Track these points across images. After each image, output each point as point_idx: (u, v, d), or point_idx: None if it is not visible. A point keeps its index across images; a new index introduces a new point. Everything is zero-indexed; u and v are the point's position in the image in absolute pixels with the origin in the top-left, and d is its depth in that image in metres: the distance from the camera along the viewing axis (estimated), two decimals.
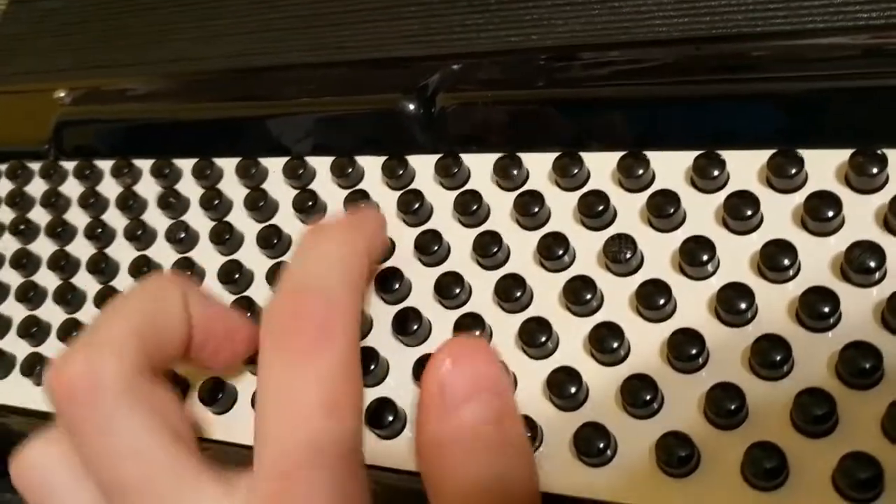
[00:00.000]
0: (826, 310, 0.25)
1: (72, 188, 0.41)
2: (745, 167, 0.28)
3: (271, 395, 0.24)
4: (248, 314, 0.32)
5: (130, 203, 0.38)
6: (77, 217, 0.40)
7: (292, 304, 0.25)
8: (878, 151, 0.26)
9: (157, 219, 0.38)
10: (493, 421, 0.22)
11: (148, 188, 0.39)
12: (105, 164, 0.40)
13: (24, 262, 0.39)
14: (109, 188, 0.39)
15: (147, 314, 0.27)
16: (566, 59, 0.33)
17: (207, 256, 0.36)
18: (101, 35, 0.48)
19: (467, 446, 0.22)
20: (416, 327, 0.30)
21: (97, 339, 0.25)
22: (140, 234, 0.37)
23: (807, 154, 0.27)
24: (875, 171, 0.26)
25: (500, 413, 0.22)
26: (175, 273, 0.35)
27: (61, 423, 0.25)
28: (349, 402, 0.24)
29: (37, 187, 0.42)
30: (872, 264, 0.25)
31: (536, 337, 0.28)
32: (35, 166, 0.42)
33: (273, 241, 0.34)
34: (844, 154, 0.27)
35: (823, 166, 0.27)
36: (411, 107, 0.34)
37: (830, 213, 0.26)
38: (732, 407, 0.25)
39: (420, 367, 0.29)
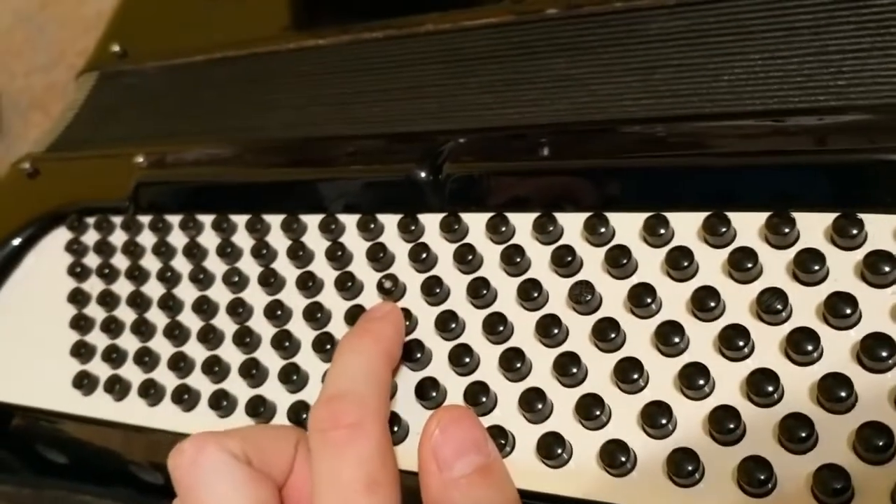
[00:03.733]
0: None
1: (147, 239, 0.49)
2: (686, 226, 0.35)
3: (323, 479, 0.30)
4: None
5: (194, 251, 0.46)
6: (151, 263, 0.48)
7: (331, 407, 0.32)
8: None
9: (216, 265, 0.45)
10: (480, 473, 0.29)
11: (209, 239, 0.46)
12: (174, 219, 0.48)
13: (108, 300, 0.47)
14: (177, 239, 0.47)
15: (258, 437, 0.33)
16: (548, 136, 0.40)
17: (255, 296, 0.43)
18: (173, 108, 0.57)
19: (462, 493, 0.29)
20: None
21: (207, 433, 0.32)
22: (201, 278, 0.45)
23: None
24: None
25: (485, 467, 0.29)
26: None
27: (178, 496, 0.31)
28: (387, 480, 0.31)
29: (118, 238, 0.50)
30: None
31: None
32: (117, 220, 0.51)
33: (308, 284, 0.41)
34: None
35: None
36: (423, 174, 0.41)
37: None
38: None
39: None
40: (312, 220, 0.44)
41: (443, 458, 0.29)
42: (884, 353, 0.29)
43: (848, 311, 0.30)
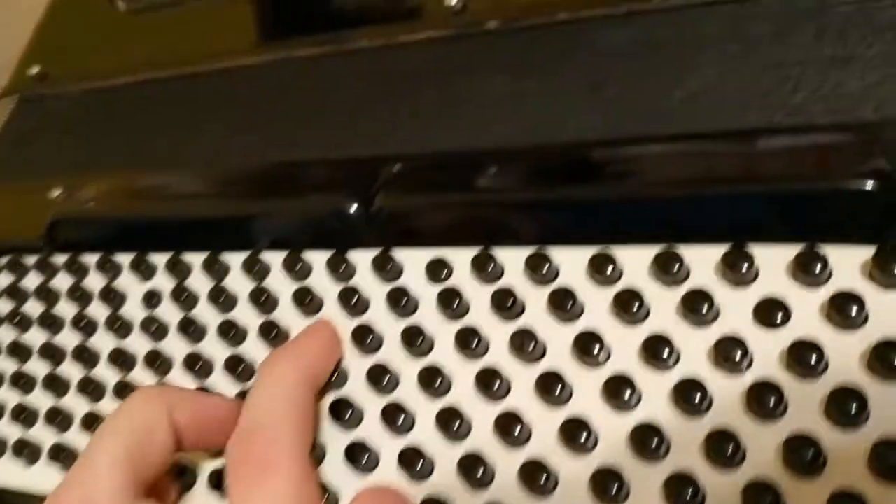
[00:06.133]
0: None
1: (62, 281, 0.45)
2: (636, 263, 0.32)
3: None
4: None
5: (112, 296, 0.42)
6: (66, 309, 0.44)
7: (242, 442, 0.30)
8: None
9: (135, 310, 0.41)
10: None
11: (128, 282, 0.43)
12: (92, 258, 0.44)
13: (18, 351, 0.43)
14: (95, 281, 0.44)
15: (133, 434, 0.31)
16: (488, 163, 0.37)
17: (175, 345, 0.39)
18: (96, 135, 0.53)
19: None
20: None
21: (89, 464, 0.30)
22: (118, 326, 0.41)
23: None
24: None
25: None
26: (159, 386, 0.38)
27: None
28: None
29: (32, 280, 0.46)
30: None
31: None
32: (32, 260, 0.47)
33: (231, 332, 0.38)
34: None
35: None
36: (353, 207, 0.38)
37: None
38: None
39: None
40: (236, 259, 0.40)
41: None
42: (853, 409, 0.26)
43: (814, 360, 0.27)
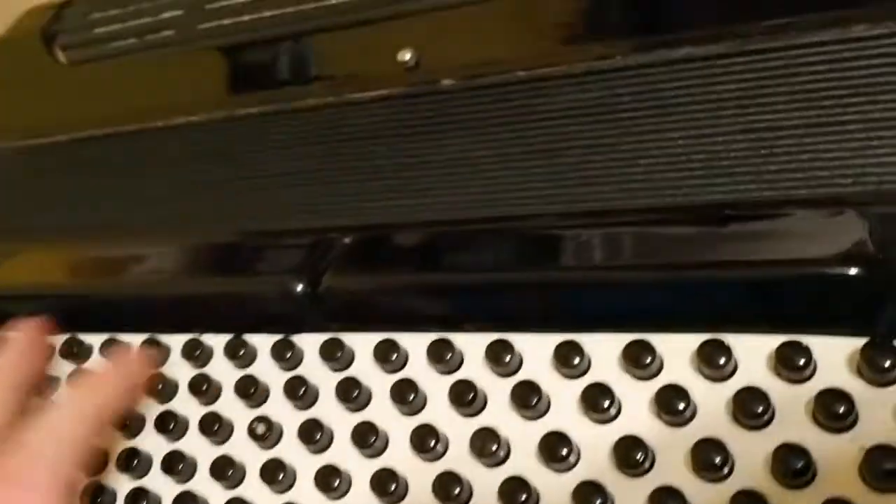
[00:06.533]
0: None
1: None
2: (605, 353, 0.29)
3: None
4: None
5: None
6: None
7: (16, 452, 0.31)
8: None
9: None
10: None
11: (59, 366, 0.39)
12: None
13: None
14: None
15: None
16: (443, 238, 0.34)
17: (108, 441, 0.36)
18: (28, 198, 0.50)
19: None
20: None
21: None
22: None
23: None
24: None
25: None
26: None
27: None
28: None
29: None
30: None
31: None
32: None
33: (170, 426, 0.35)
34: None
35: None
36: (300, 287, 0.35)
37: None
38: None
39: None
40: (176, 342, 0.37)
41: None
42: None
43: (800, 466, 0.25)
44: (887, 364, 0.25)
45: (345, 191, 0.39)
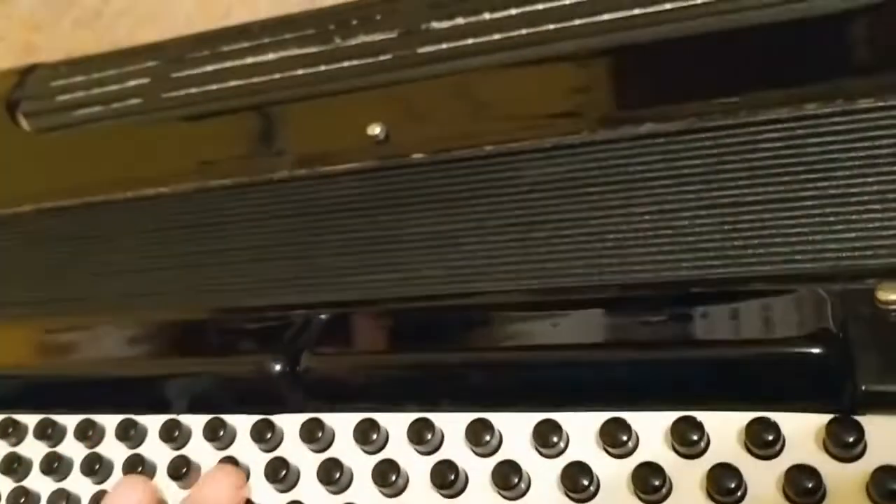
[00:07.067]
0: None
1: None
2: (583, 432, 0.30)
3: None
4: None
5: (14, 466, 0.39)
6: None
7: None
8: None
9: (42, 483, 0.38)
10: None
11: (32, 449, 0.39)
12: None
13: None
14: None
15: None
16: (418, 316, 0.35)
17: None
18: None
19: None
20: None
21: None
22: (22, 502, 0.37)
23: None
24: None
25: None
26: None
27: None
28: None
29: None
30: None
31: None
32: None
33: None
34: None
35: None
36: (278, 367, 0.35)
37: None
38: None
39: None
40: (154, 423, 0.37)
41: None
42: None
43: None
44: (851, 440, 0.26)
45: (318, 266, 0.39)
